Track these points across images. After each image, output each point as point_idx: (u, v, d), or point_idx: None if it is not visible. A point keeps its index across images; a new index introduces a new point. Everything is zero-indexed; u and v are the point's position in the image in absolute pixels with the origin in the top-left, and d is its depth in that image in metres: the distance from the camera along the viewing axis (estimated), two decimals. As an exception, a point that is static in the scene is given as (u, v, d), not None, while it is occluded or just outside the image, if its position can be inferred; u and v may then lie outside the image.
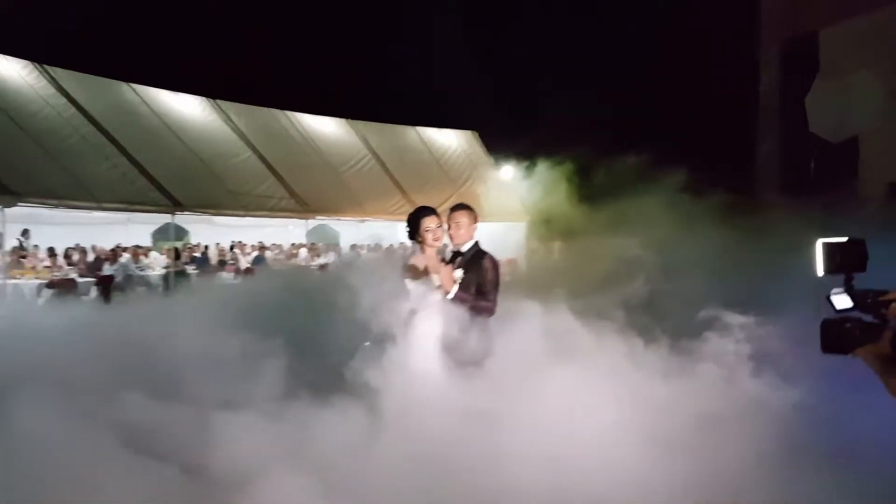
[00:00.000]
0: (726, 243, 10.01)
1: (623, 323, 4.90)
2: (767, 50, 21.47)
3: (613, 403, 4.15)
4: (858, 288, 2.28)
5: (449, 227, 4.80)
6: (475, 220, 4.84)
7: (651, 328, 4.99)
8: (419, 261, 4.64)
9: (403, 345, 4.32)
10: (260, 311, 7.08)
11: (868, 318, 2.23)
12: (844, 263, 2.29)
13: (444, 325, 4.41)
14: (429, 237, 4.68)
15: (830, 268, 2.30)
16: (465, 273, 4.62)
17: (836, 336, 2.23)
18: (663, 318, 5.40)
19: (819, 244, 2.31)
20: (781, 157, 20.50)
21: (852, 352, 2.21)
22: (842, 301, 2.27)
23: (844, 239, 2.30)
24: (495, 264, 4.74)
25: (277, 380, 4.80)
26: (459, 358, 4.33)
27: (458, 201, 5.22)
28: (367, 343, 4.49)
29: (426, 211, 4.80)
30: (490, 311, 4.60)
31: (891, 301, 2.19)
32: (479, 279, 4.64)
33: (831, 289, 2.30)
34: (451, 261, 4.77)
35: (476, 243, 4.81)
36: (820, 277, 2.28)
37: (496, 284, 4.68)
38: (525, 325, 4.61)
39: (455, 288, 4.57)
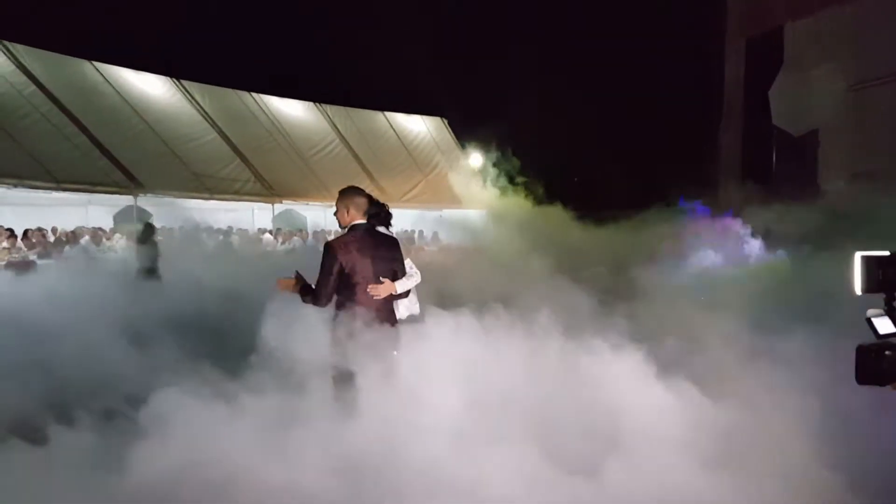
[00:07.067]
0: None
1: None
2: (732, 42, 21.72)
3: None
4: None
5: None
6: (354, 203, 4.35)
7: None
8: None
9: None
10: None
11: None
12: (886, 281, 1.97)
13: None
14: None
15: (870, 286, 1.97)
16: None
17: (874, 365, 1.91)
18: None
19: (857, 258, 1.97)
20: (744, 147, 20.81)
21: (892, 384, 1.91)
22: (884, 325, 1.95)
23: (886, 253, 1.97)
24: (324, 249, 4.27)
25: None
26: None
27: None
28: None
29: None
30: (314, 304, 4.19)
31: None
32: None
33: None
34: None
35: (346, 227, 4.36)
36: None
37: (326, 272, 4.17)
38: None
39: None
